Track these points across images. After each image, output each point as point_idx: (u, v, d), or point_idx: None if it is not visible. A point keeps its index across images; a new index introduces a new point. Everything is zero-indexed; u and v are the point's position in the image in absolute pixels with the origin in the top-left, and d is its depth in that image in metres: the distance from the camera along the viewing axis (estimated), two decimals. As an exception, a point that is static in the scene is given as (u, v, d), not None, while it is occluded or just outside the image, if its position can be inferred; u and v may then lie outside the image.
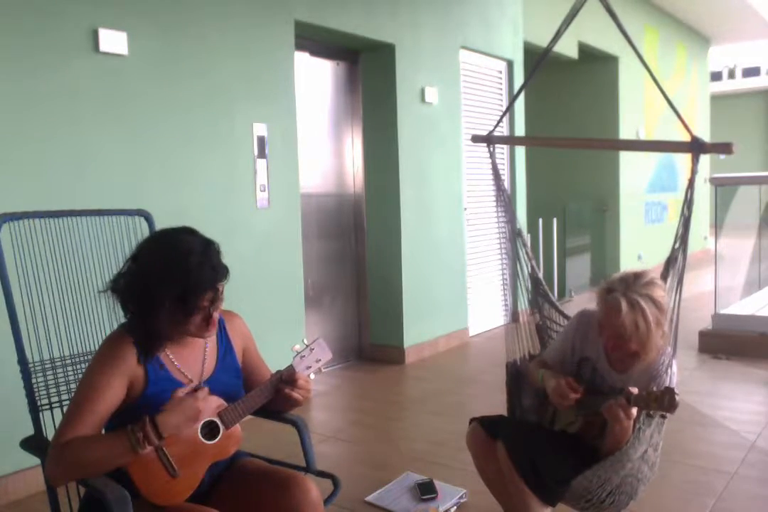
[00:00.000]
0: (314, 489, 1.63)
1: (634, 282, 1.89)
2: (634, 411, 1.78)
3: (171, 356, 1.63)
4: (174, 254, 1.54)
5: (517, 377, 2.35)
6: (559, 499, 1.97)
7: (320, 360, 1.74)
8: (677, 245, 1.96)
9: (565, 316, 2.39)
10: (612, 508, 1.95)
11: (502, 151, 5.86)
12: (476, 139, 2.54)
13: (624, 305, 1.84)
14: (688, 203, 1.93)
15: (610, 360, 2.02)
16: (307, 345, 1.73)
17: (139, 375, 1.56)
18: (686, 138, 2.05)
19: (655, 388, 1.74)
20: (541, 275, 2.46)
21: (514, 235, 2.44)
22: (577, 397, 1.94)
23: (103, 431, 1.55)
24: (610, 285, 1.91)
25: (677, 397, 1.68)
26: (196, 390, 1.56)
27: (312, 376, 1.74)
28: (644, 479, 1.97)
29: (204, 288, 1.54)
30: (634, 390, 1.78)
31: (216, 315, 1.61)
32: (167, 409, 1.50)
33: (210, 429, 1.61)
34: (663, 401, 1.69)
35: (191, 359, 1.67)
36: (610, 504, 1.94)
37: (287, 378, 1.69)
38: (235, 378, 1.75)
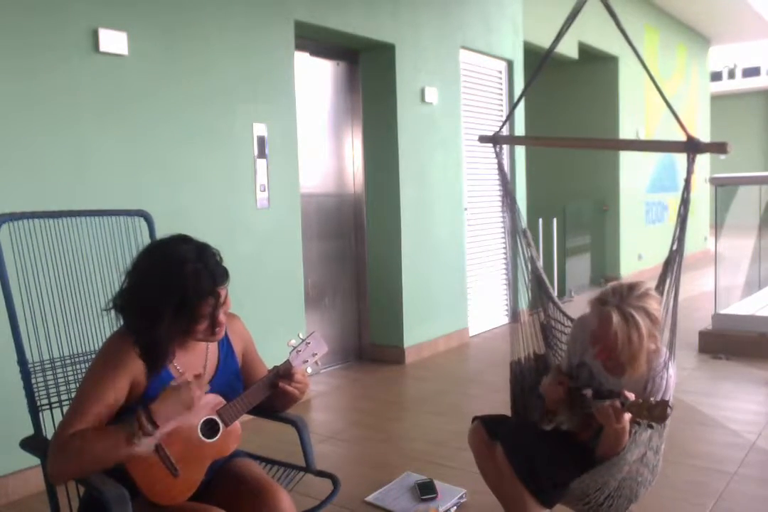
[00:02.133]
0: (285, 500, 1.62)
1: (628, 294, 1.87)
2: (627, 416, 1.76)
3: (173, 359, 1.64)
4: (168, 264, 1.53)
5: (521, 376, 2.36)
6: (556, 502, 1.97)
7: (316, 354, 1.74)
8: (675, 247, 1.96)
9: (568, 317, 2.39)
10: (611, 511, 1.95)
11: (502, 150, 5.85)
12: (483, 139, 2.56)
13: (617, 318, 1.82)
14: (684, 203, 1.93)
15: (605, 364, 2.02)
16: (303, 340, 1.73)
17: (141, 378, 1.56)
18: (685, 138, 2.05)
19: (652, 398, 1.73)
20: (544, 275, 2.46)
21: (518, 234, 2.44)
22: (563, 387, 1.96)
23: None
24: (604, 296, 1.89)
25: (669, 411, 1.66)
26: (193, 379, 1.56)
27: (309, 370, 1.74)
28: (645, 482, 1.96)
29: (204, 295, 1.53)
30: (631, 396, 1.77)
31: (223, 319, 1.61)
32: (160, 399, 1.50)
33: (210, 428, 1.61)
34: (654, 411, 1.68)
35: (193, 362, 1.67)
36: (608, 506, 1.93)
37: (284, 373, 1.69)
38: (235, 380, 1.75)
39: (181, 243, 1.60)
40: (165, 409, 1.49)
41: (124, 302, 1.58)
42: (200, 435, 1.59)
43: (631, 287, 1.90)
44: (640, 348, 1.84)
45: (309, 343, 1.73)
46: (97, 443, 1.45)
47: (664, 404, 1.67)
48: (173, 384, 1.53)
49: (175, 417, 1.51)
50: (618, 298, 1.86)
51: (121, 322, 1.62)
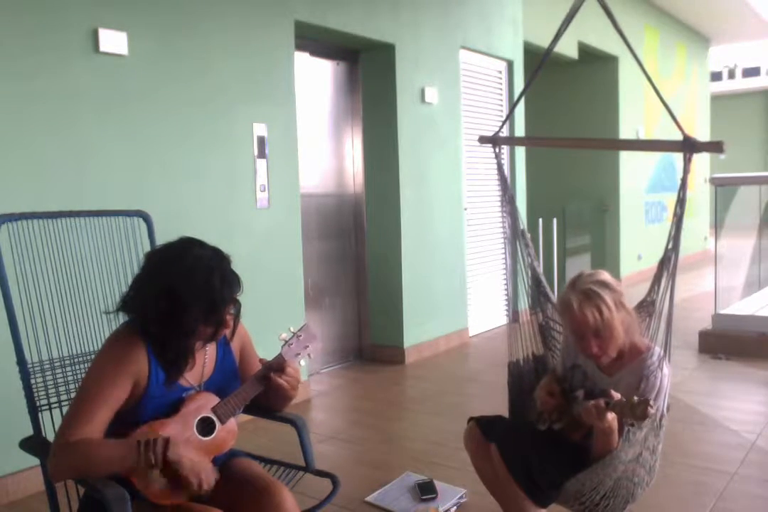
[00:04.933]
0: (289, 499, 1.62)
1: (578, 278, 1.95)
2: (610, 416, 1.77)
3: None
4: (197, 275, 1.54)
5: (519, 377, 2.36)
6: (551, 502, 1.97)
7: (308, 346, 1.75)
8: (670, 245, 1.96)
9: None
10: (607, 511, 1.95)
11: (502, 151, 5.85)
12: (483, 140, 2.55)
13: (578, 296, 1.87)
14: (681, 202, 1.92)
15: (598, 364, 2.02)
16: (294, 333, 1.74)
17: (143, 377, 1.57)
18: (685, 138, 2.04)
19: (635, 397, 1.74)
20: (542, 275, 2.46)
21: (517, 234, 2.44)
22: (551, 401, 1.99)
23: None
24: (561, 293, 1.96)
25: (650, 409, 1.67)
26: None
27: (302, 363, 1.75)
28: (641, 482, 1.94)
29: (227, 303, 1.58)
30: (616, 395, 1.78)
31: (231, 320, 1.63)
32: (183, 446, 1.51)
33: (206, 426, 1.61)
34: (636, 410, 1.69)
35: (192, 362, 1.68)
36: (605, 507, 1.93)
37: (276, 367, 1.70)
38: (233, 379, 1.75)
39: (198, 249, 1.60)
40: (183, 455, 1.50)
41: (145, 311, 1.57)
42: (197, 434, 1.60)
43: (580, 273, 1.97)
44: (612, 318, 1.87)
45: (300, 336, 1.74)
46: (104, 456, 1.47)
47: (645, 402, 1.68)
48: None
49: (180, 466, 1.51)
50: (571, 285, 1.93)
51: (120, 322, 1.62)
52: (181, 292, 1.53)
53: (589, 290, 1.88)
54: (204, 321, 1.55)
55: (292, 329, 1.76)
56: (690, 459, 2.97)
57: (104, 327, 1.93)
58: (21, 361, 1.80)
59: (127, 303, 1.59)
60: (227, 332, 1.68)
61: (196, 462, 1.53)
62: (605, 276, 1.95)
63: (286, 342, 1.73)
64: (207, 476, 1.54)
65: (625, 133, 8.04)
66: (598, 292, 1.87)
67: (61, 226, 1.97)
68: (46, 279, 1.96)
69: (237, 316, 1.63)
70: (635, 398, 1.72)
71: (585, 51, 7.28)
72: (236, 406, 1.66)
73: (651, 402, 1.68)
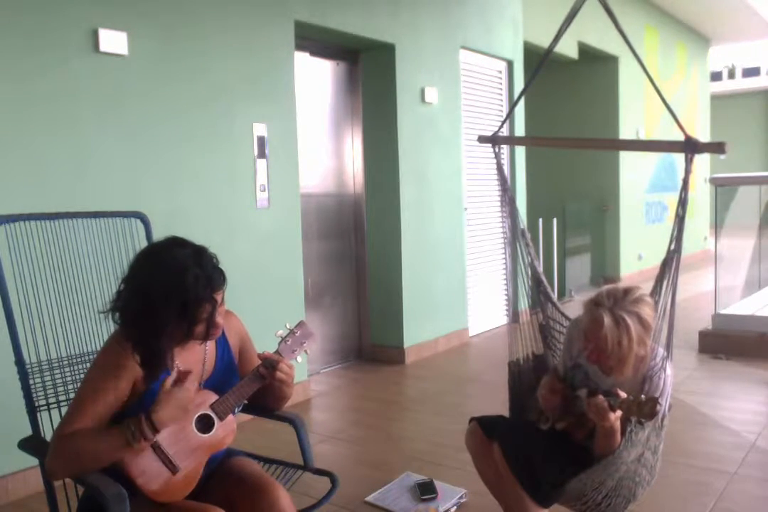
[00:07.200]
0: (284, 498, 1.62)
1: (623, 298, 1.88)
2: (617, 414, 1.77)
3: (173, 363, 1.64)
4: (169, 274, 1.53)
5: (519, 376, 2.36)
6: (553, 501, 1.97)
7: (305, 342, 1.75)
8: (673, 246, 1.96)
9: (567, 317, 2.39)
10: (609, 511, 1.95)
11: (502, 150, 5.86)
12: (482, 139, 2.55)
13: (609, 321, 1.83)
14: (682, 203, 1.92)
15: (596, 364, 2.01)
16: (290, 330, 1.74)
17: (141, 377, 1.57)
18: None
19: (642, 396, 1.73)
20: (542, 275, 2.46)
21: (517, 234, 2.44)
22: (553, 399, 1.97)
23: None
24: (598, 299, 1.89)
25: (658, 407, 1.67)
26: (181, 375, 1.57)
27: (299, 359, 1.75)
28: (643, 482, 1.95)
29: (202, 301, 1.54)
30: (622, 394, 1.78)
31: (221, 320, 1.62)
32: (159, 405, 1.50)
33: (204, 423, 1.62)
34: (644, 408, 1.69)
35: (192, 360, 1.68)
36: (606, 506, 1.93)
37: (272, 363, 1.69)
38: (233, 377, 1.76)
39: (177, 248, 1.58)
40: (165, 415, 1.50)
41: (123, 310, 1.57)
42: (196, 431, 1.60)
43: (626, 291, 1.90)
44: (629, 352, 1.84)
45: (297, 333, 1.74)
46: (96, 444, 1.47)
47: (653, 401, 1.68)
48: (167, 385, 1.53)
49: (174, 421, 1.53)
50: (612, 301, 1.86)
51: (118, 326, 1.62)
52: (152, 292, 1.52)
53: (622, 319, 1.83)
54: (177, 321, 1.54)
55: (288, 325, 1.76)
56: (690, 459, 2.97)
57: (102, 327, 1.92)
58: (19, 362, 1.80)
59: (112, 304, 1.60)
60: (215, 331, 1.64)
61: (177, 404, 1.52)
62: (646, 310, 1.88)
63: (283, 338, 1.73)
64: (190, 395, 1.54)
65: (626, 133, 8.04)
66: (629, 326, 1.83)
67: (59, 226, 1.97)
68: (44, 280, 1.96)
69: (212, 314, 1.58)
70: (642, 396, 1.72)
71: (585, 51, 7.28)
72: (234, 403, 1.66)
73: (659, 401, 1.68)
